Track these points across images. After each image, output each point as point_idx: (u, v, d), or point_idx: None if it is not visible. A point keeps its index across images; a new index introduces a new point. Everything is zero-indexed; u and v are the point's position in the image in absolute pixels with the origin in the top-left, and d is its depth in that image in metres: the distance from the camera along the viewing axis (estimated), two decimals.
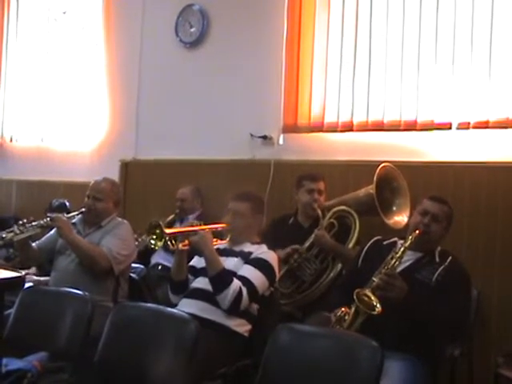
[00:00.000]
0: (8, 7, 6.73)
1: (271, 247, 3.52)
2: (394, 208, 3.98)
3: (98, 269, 3.70)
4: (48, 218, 3.81)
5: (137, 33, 5.68)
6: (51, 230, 3.96)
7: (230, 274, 3.21)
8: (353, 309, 2.90)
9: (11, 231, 3.75)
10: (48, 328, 3.05)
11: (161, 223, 3.32)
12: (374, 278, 2.90)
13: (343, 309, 2.94)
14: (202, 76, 5.25)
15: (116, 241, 3.80)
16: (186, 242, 3.28)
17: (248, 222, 3.45)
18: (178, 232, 3.40)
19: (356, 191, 4.05)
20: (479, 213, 3.88)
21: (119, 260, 3.76)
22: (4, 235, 3.73)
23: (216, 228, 3.45)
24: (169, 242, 3.31)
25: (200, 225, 3.41)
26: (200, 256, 3.43)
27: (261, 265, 3.27)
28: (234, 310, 3.15)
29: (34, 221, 3.82)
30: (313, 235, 3.86)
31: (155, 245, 3.34)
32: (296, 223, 4.14)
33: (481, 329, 3.74)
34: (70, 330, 2.98)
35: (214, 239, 3.42)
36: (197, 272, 3.40)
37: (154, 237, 3.30)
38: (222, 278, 3.18)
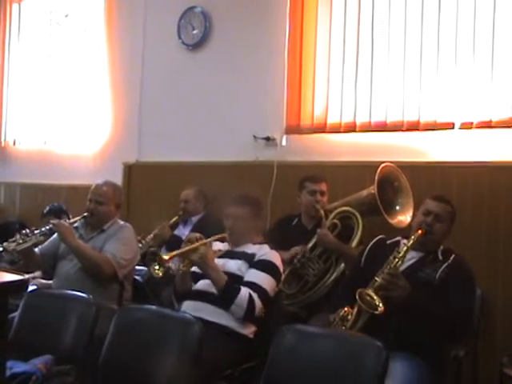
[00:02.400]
0: (10, 11, 6.75)
1: (275, 246, 3.53)
2: (398, 207, 3.98)
3: (103, 275, 3.70)
4: (50, 225, 3.81)
5: (139, 35, 5.68)
6: (53, 233, 3.95)
7: (236, 283, 3.21)
8: (355, 308, 2.91)
9: (14, 241, 3.75)
10: (53, 331, 3.05)
11: (157, 251, 3.31)
12: (377, 278, 2.91)
13: (346, 309, 2.95)
14: (204, 78, 5.25)
15: (119, 245, 3.79)
16: (187, 262, 3.28)
17: (249, 225, 3.45)
18: (176, 255, 3.35)
19: (359, 192, 4.05)
20: (482, 212, 3.88)
21: (123, 264, 3.75)
22: (6, 245, 3.73)
23: (216, 240, 3.45)
24: (171, 265, 3.28)
25: (199, 238, 3.34)
26: None
27: (266, 267, 3.28)
28: (249, 317, 3.16)
29: (37, 229, 3.82)
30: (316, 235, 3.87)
31: (159, 270, 3.30)
32: (300, 225, 4.16)
33: (485, 329, 3.73)
34: (74, 332, 3.00)
35: (218, 243, 3.42)
36: (198, 276, 3.39)
37: (156, 263, 3.28)
38: (230, 290, 3.18)
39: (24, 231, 3.79)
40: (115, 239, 3.83)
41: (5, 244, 3.75)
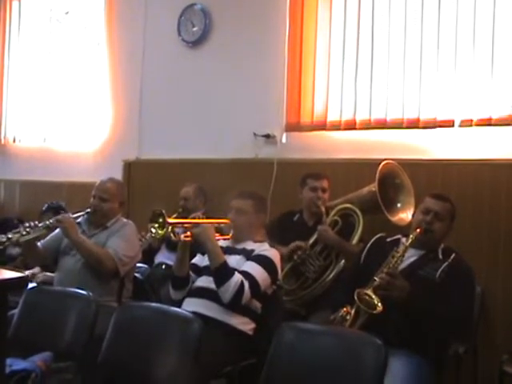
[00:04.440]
0: (10, 8, 6.73)
1: (276, 242, 3.53)
2: (399, 205, 3.97)
3: (104, 270, 3.70)
4: (54, 219, 3.81)
5: (139, 32, 5.67)
6: (56, 229, 3.95)
7: (232, 268, 3.21)
8: (354, 309, 2.90)
9: (17, 232, 3.74)
10: (52, 328, 3.06)
11: (164, 212, 3.28)
12: (376, 278, 2.90)
13: (345, 309, 2.94)
14: (204, 75, 5.25)
15: (122, 242, 3.79)
16: (189, 233, 3.28)
17: (250, 219, 3.44)
18: (180, 222, 3.40)
19: (360, 190, 4.04)
20: (482, 210, 3.88)
21: (125, 262, 3.76)
22: (10, 236, 3.73)
23: (219, 223, 3.46)
24: (171, 234, 3.30)
25: (203, 219, 3.42)
26: (202, 253, 3.43)
27: (262, 261, 3.27)
28: (235, 303, 3.13)
29: (40, 222, 3.82)
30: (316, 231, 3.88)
31: (156, 233, 3.29)
32: (301, 221, 4.16)
33: (485, 326, 3.73)
34: (74, 330, 3.00)
35: (217, 234, 3.42)
36: (199, 271, 3.40)
37: (156, 225, 3.27)
38: (224, 271, 3.17)
39: (27, 223, 3.79)
40: (118, 236, 3.83)
41: (9, 234, 3.75)
